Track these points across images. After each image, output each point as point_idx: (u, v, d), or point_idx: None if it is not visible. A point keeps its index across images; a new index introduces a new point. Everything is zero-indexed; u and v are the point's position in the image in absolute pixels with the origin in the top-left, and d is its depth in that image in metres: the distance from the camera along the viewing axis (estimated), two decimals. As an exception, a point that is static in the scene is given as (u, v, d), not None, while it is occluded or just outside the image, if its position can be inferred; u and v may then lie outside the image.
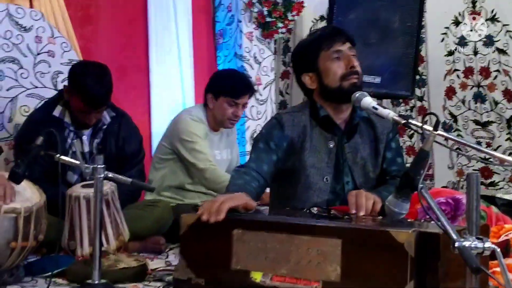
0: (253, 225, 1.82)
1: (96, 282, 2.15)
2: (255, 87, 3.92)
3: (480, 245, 1.40)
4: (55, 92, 3.40)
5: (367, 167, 2.50)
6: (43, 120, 2.99)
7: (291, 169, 2.46)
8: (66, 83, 3.15)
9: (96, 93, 2.91)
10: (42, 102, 3.33)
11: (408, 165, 4.12)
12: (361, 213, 2.05)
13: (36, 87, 3.49)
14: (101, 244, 2.19)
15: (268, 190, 2.59)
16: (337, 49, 2.41)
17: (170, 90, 4.27)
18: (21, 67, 3.45)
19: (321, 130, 2.47)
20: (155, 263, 2.76)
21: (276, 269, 1.76)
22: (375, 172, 2.53)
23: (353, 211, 2.08)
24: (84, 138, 3.07)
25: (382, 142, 2.54)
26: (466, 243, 1.40)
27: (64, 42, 3.61)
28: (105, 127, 3.12)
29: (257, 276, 1.78)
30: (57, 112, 3.02)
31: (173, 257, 2.95)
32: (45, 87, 3.52)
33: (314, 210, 1.89)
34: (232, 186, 2.24)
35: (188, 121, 3.50)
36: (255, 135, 4.51)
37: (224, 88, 3.53)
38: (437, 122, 1.71)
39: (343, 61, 2.40)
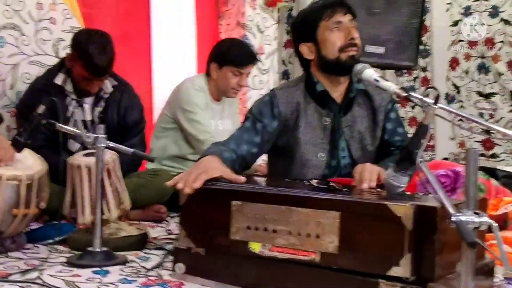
0: (252, 196, 1.83)
1: (97, 250, 2.18)
2: (258, 57, 3.90)
3: (476, 219, 1.41)
4: (56, 60, 3.40)
5: (364, 141, 2.49)
6: (45, 88, 2.99)
7: (285, 146, 2.45)
8: (67, 50, 3.14)
9: (99, 61, 2.91)
10: (44, 69, 3.32)
11: (410, 135, 4.13)
12: (365, 186, 2.05)
13: (38, 54, 3.49)
14: (102, 213, 2.21)
15: (261, 162, 2.59)
16: (337, 20, 2.38)
17: (172, 59, 4.26)
18: (23, 34, 3.44)
19: (317, 106, 2.45)
20: (156, 232, 2.78)
21: (275, 240, 1.77)
22: (373, 145, 2.52)
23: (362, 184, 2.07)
24: (86, 106, 3.07)
25: (380, 113, 2.52)
26: (463, 218, 1.41)
27: (65, 9, 3.60)
28: (106, 96, 3.12)
29: (255, 247, 1.80)
30: (59, 80, 3.02)
31: (174, 226, 2.98)
32: (47, 54, 3.52)
33: (314, 182, 1.90)
34: (206, 151, 2.20)
35: (190, 90, 3.49)
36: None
37: (229, 57, 3.51)
38: (438, 96, 1.70)
39: (342, 32, 2.38)
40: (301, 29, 2.50)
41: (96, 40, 2.93)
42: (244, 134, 2.37)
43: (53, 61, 3.39)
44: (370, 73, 2.18)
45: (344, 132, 2.47)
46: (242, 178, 1.98)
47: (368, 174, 2.08)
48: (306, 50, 2.47)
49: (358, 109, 2.50)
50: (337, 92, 2.47)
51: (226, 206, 1.85)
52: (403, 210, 1.59)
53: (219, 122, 3.66)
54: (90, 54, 2.89)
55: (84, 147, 2.97)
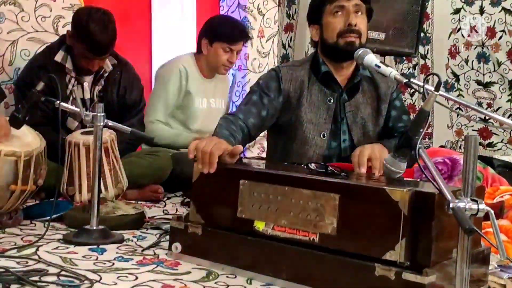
0: (258, 176, 1.86)
1: (94, 227, 2.18)
2: (250, 34, 3.89)
3: (474, 206, 1.42)
4: (56, 37, 3.38)
5: (366, 127, 2.52)
6: (45, 65, 2.98)
7: (287, 124, 2.48)
8: (67, 28, 3.13)
9: (100, 40, 2.89)
10: (43, 46, 3.30)
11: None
12: (362, 170, 2.08)
13: (37, 31, 3.46)
14: (99, 191, 2.21)
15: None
16: (340, 4, 2.39)
17: (172, 39, 4.24)
18: (22, 10, 3.41)
19: (321, 86, 2.47)
20: (153, 211, 2.79)
21: (278, 219, 1.80)
22: (374, 131, 2.55)
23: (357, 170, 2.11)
24: (85, 84, 3.06)
25: (385, 101, 2.55)
26: (461, 204, 1.41)
27: (66, -14, 3.57)
28: (106, 74, 3.11)
29: (260, 225, 1.83)
30: (59, 57, 3.01)
31: (171, 206, 2.99)
32: (46, 31, 3.49)
33: (312, 166, 1.91)
34: (215, 134, 2.23)
35: (164, 70, 3.57)
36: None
37: (220, 33, 3.53)
38: (439, 82, 1.70)
39: (343, 17, 2.39)
40: (310, 11, 2.53)
41: (97, 18, 2.91)
42: (252, 108, 2.41)
43: (53, 38, 3.37)
44: (371, 58, 2.20)
45: (347, 116, 2.49)
46: (240, 148, 2.00)
47: (365, 159, 2.11)
48: (314, 32, 2.51)
49: (362, 95, 2.53)
50: (342, 76, 2.49)
51: (234, 185, 1.88)
52: (400, 195, 1.60)
53: (212, 100, 3.68)
54: (91, 32, 2.87)
55: (82, 125, 2.97)
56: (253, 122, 2.38)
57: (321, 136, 2.46)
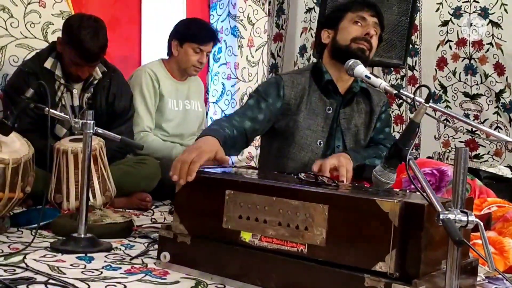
0: (245, 186, 1.84)
1: (82, 236, 2.17)
2: (218, 36, 3.91)
3: (464, 218, 1.43)
4: (45, 43, 3.37)
5: (359, 135, 2.59)
6: (34, 71, 2.96)
7: (285, 129, 2.52)
8: (56, 34, 3.12)
9: (91, 48, 2.89)
10: (33, 52, 3.29)
11: (393, 134, 4.17)
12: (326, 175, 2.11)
13: (26, 37, 3.45)
14: (87, 199, 2.20)
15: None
16: (362, 16, 2.48)
17: (162, 46, 4.23)
18: (11, 16, 3.40)
19: (321, 95, 2.52)
20: (141, 220, 2.78)
21: (265, 230, 1.79)
22: (366, 140, 2.63)
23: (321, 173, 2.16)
24: (75, 92, 3.05)
25: (376, 113, 2.63)
26: (451, 216, 1.42)
27: (55, -7, 3.55)
28: (96, 82, 3.10)
29: (246, 236, 1.82)
30: (48, 64, 3.00)
31: (159, 215, 2.98)
32: (35, 37, 3.48)
33: (302, 175, 1.91)
34: (206, 130, 2.25)
35: (136, 78, 3.57)
36: (245, 97, 4.51)
37: (190, 34, 3.59)
38: (429, 94, 1.71)
39: (362, 28, 2.47)
40: (329, 16, 2.63)
41: (88, 25, 2.91)
42: (247, 111, 2.43)
43: (42, 44, 3.36)
44: (361, 69, 2.22)
45: (340, 123, 2.54)
46: (227, 159, 2.03)
47: (327, 167, 2.21)
48: (326, 35, 2.57)
49: (357, 105, 2.60)
50: (343, 85, 2.54)
51: (219, 195, 1.86)
52: (390, 206, 1.60)
53: (186, 102, 3.71)
54: (82, 39, 2.87)
55: (71, 132, 2.96)
56: (249, 124, 2.39)
57: (318, 144, 2.52)
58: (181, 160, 1.91)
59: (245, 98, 4.53)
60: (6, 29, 3.38)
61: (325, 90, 2.53)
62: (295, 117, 2.50)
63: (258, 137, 2.88)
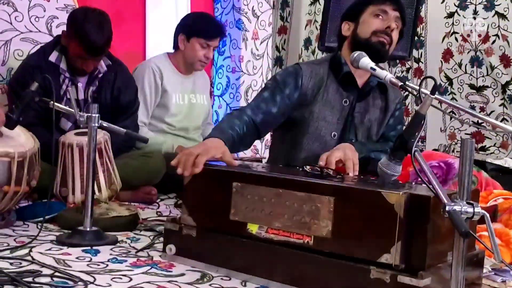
0: (252, 178, 1.85)
1: (88, 229, 2.17)
2: (225, 31, 3.89)
3: (470, 210, 1.42)
4: (49, 37, 3.37)
5: (372, 130, 2.57)
6: (39, 65, 2.96)
7: (300, 120, 2.49)
8: (61, 28, 3.12)
9: (96, 40, 2.89)
10: (37, 46, 3.29)
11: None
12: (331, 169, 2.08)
13: (31, 31, 3.45)
14: (93, 192, 2.20)
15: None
16: (384, 9, 2.45)
17: (166, 40, 4.22)
18: (16, 10, 3.39)
19: (339, 86, 2.49)
20: (146, 213, 2.78)
21: (272, 222, 1.79)
22: (377, 136, 2.60)
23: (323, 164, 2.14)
24: (80, 85, 3.05)
25: (390, 110, 2.60)
26: (457, 208, 1.41)
27: (60, -14, 3.55)
28: (100, 75, 3.10)
29: (253, 228, 1.82)
30: (53, 57, 3.00)
31: (164, 208, 2.98)
32: (40, 31, 3.48)
33: (307, 168, 1.91)
34: (214, 130, 2.25)
35: (140, 72, 3.56)
36: (250, 90, 4.50)
37: (197, 29, 3.57)
38: (435, 86, 1.70)
39: (383, 21, 2.44)
40: (351, 8, 2.57)
41: (93, 19, 2.90)
42: (261, 104, 2.41)
43: (46, 38, 3.36)
44: (366, 61, 2.21)
45: (355, 116, 2.52)
46: (236, 163, 2.01)
47: (334, 159, 2.17)
48: (346, 28, 2.54)
49: (373, 99, 2.57)
50: (361, 78, 2.52)
51: (227, 188, 1.87)
52: (396, 198, 1.60)
53: (192, 96, 3.71)
54: (87, 32, 2.86)
55: (76, 126, 2.95)
56: (261, 118, 2.36)
57: (332, 136, 2.49)
58: (186, 153, 1.91)
59: (250, 91, 4.54)
60: (11, 23, 3.38)
61: (343, 82, 2.50)
62: (311, 107, 2.47)
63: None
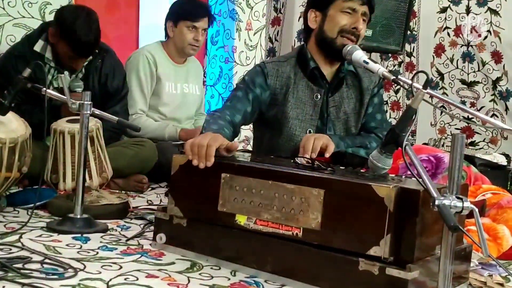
0: (241, 170, 1.85)
1: (78, 216, 2.17)
2: (211, 12, 3.88)
3: (459, 204, 1.44)
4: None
5: (349, 122, 2.53)
6: (24, 54, 2.93)
7: (273, 119, 2.48)
8: (54, 14, 3.07)
9: (85, 41, 2.86)
10: (30, 32, 3.26)
11: (390, 120, 4.18)
12: (307, 156, 2.09)
13: (24, 17, 3.43)
14: (84, 180, 2.20)
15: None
16: (353, 7, 2.39)
17: (159, 29, 4.21)
18: (9, -5, 3.37)
19: (308, 82, 2.47)
20: (137, 202, 2.79)
21: (260, 214, 1.79)
22: (357, 128, 2.56)
23: (304, 154, 2.13)
24: (66, 73, 3.00)
25: (367, 96, 2.55)
26: (446, 202, 1.43)
27: (53, -27, 3.53)
28: (86, 63, 3.07)
29: (241, 219, 1.83)
30: (38, 47, 2.96)
31: (155, 196, 2.99)
32: (33, 17, 3.46)
33: (298, 160, 1.91)
34: (205, 131, 2.21)
35: (134, 60, 3.56)
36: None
37: (182, 12, 3.59)
38: (427, 80, 1.71)
39: (351, 18, 2.39)
40: None
41: (82, 20, 2.85)
42: (237, 104, 2.40)
43: (39, 24, 3.34)
44: (360, 54, 2.22)
45: (330, 112, 2.48)
46: (237, 145, 2.01)
47: (311, 143, 2.16)
48: (313, 17, 2.48)
49: (346, 90, 2.53)
50: (329, 71, 2.48)
51: (215, 178, 1.87)
52: (385, 191, 1.61)
53: (185, 86, 3.72)
54: (77, 34, 2.83)
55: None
56: (239, 118, 2.38)
57: (307, 132, 2.45)
58: (197, 144, 1.87)
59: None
60: (4, 8, 3.35)
61: (311, 77, 2.47)
62: (283, 108, 2.45)
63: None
